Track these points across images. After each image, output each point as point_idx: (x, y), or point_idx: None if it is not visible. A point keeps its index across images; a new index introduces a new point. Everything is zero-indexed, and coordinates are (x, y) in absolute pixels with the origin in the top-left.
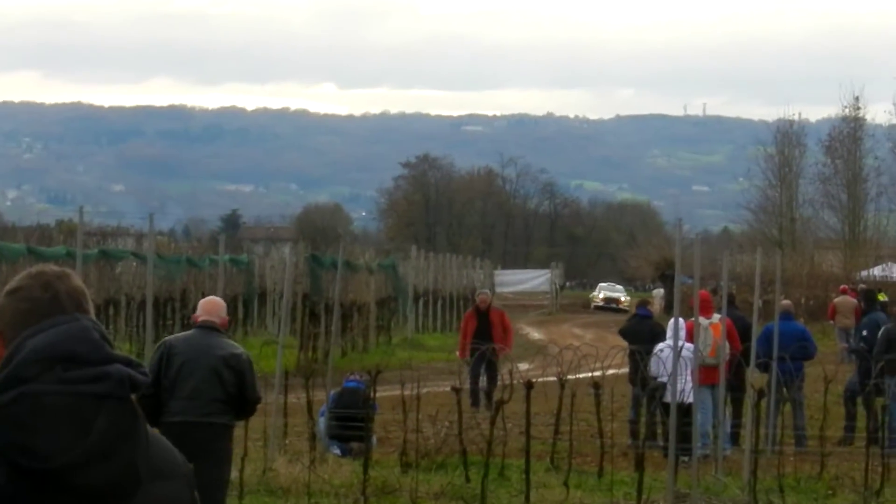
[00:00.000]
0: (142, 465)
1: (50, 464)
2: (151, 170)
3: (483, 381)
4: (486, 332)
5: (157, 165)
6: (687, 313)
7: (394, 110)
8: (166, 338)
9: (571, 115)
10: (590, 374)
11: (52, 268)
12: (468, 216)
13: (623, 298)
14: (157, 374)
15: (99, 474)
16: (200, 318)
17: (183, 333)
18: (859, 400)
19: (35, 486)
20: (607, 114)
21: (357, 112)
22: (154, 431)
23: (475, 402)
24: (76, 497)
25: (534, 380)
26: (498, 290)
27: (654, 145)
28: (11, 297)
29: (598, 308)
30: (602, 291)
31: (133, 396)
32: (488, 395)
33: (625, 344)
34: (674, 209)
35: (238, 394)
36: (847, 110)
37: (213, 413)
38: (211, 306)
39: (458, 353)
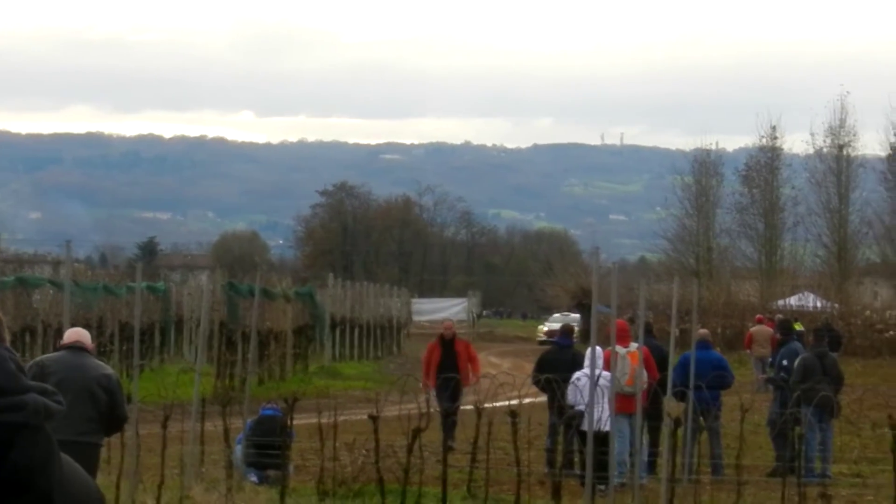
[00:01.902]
0: (57, 496)
1: None
2: (69, 197)
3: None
4: (451, 362)
5: (74, 193)
6: (604, 342)
7: (311, 138)
8: (38, 357)
9: (489, 144)
10: (507, 403)
11: None
12: (385, 244)
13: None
14: None
15: None
16: (68, 341)
17: (54, 353)
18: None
19: None
20: (525, 142)
21: (275, 140)
22: (68, 459)
23: (449, 434)
24: None
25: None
26: (415, 318)
27: (572, 174)
28: None
29: (542, 343)
30: (548, 324)
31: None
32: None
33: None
34: (591, 238)
35: (108, 413)
36: (764, 140)
37: (86, 432)
38: (76, 335)
39: (422, 383)
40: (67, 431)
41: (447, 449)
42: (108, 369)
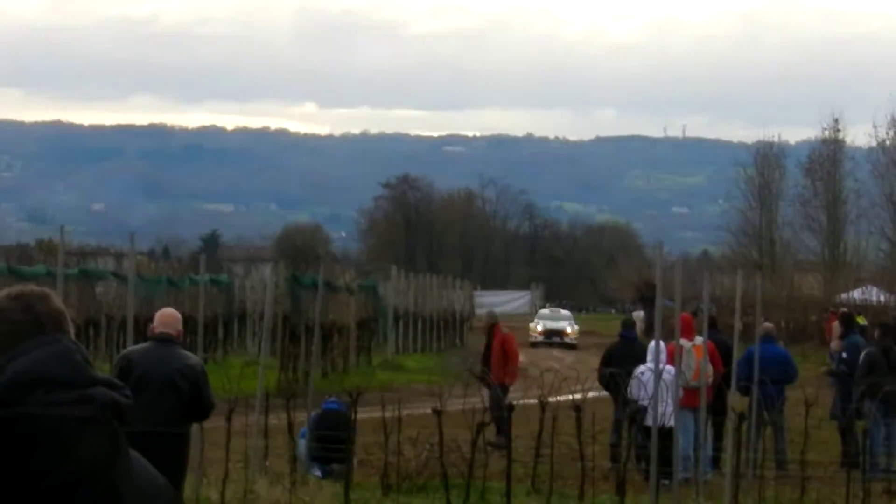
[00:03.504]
0: (123, 488)
1: (32, 487)
2: (131, 189)
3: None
4: (488, 355)
5: (137, 184)
6: (668, 336)
7: (374, 130)
8: (124, 351)
9: (551, 136)
10: (571, 397)
11: (32, 289)
12: (448, 237)
13: (569, 329)
14: None
15: (81, 498)
16: (157, 330)
17: (140, 346)
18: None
19: None
20: (587, 135)
21: (337, 132)
22: (136, 454)
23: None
24: None
25: (515, 402)
26: (478, 311)
27: (634, 167)
28: None
29: (535, 345)
30: (540, 322)
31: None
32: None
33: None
34: (653, 231)
35: (193, 402)
36: (827, 132)
37: (169, 423)
38: (167, 318)
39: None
40: (151, 423)
41: (491, 445)
42: (192, 359)
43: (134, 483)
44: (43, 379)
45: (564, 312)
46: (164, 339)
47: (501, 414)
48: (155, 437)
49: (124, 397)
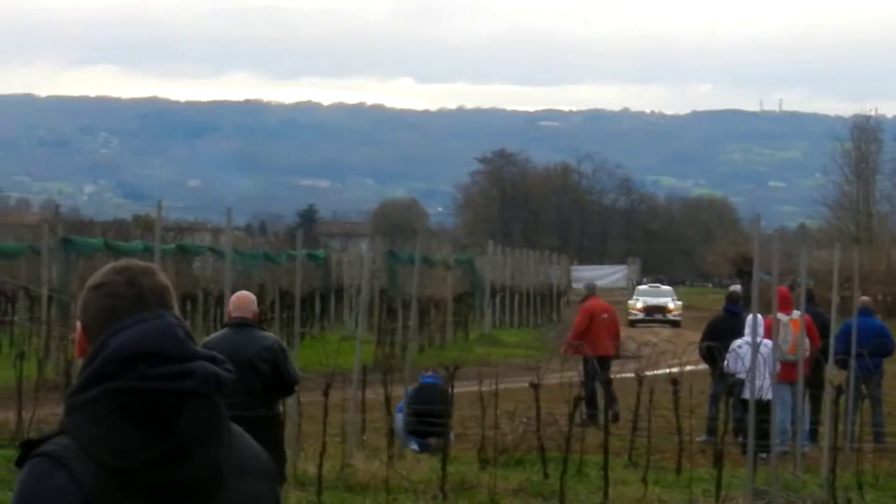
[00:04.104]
0: (225, 463)
1: (133, 461)
2: (228, 165)
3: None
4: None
5: (233, 160)
6: (765, 310)
7: (470, 105)
8: (203, 340)
9: (647, 111)
10: (668, 371)
11: (136, 263)
12: (544, 212)
13: (671, 304)
14: None
15: (182, 472)
16: (233, 315)
17: (218, 334)
18: None
19: (118, 483)
20: (683, 109)
21: (433, 107)
22: (238, 429)
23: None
24: (160, 495)
25: (612, 376)
26: (574, 285)
27: (731, 141)
28: (96, 293)
29: (635, 324)
30: (640, 298)
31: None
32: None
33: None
34: (750, 205)
35: (275, 382)
36: None
37: (253, 406)
38: (241, 301)
39: None
40: (236, 409)
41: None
42: (270, 339)
43: (235, 457)
44: (145, 353)
45: (665, 288)
46: (241, 324)
47: (591, 386)
48: (238, 421)
49: (226, 371)
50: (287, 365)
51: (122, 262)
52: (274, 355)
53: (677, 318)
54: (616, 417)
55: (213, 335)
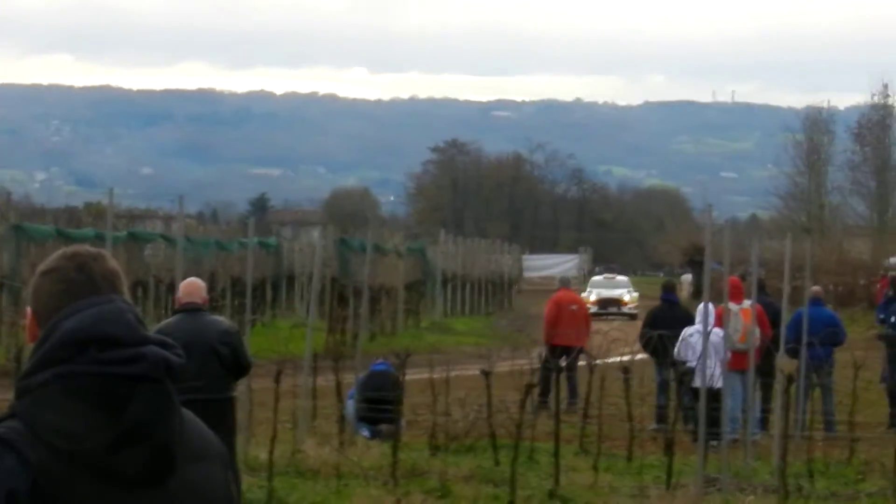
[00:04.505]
0: (176, 447)
1: (83, 445)
2: (180, 153)
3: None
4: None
5: (185, 149)
6: (716, 299)
7: (423, 95)
8: (157, 326)
9: (600, 101)
10: (619, 359)
11: (87, 249)
12: (496, 201)
13: (627, 297)
14: None
15: (133, 457)
16: (184, 301)
17: (170, 319)
18: None
19: (68, 466)
20: (636, 100)
21: (386, 97)
22: (189, 413)
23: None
24: (110, 478)
25: (562, 364)
26: (526, 274)
27: (683, 132)
28: (46, 278)
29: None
30: (594, 290)
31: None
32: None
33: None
34: (702, 195)
35: (234, 365)
36: (876, 98)
37: (217, 389)
38: (191, 288)
39: None
40: (200, 392)
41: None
42: (226, 324)
43: (187, 442)
44: (96, 337)
45: (620, 278)
46: (193, 309)
47: (545, 375)
48: (204, 404)
49: (176, 356)
50: (244, 349)
51: (73, 247)
52: (233, 339)
53: (633, 311)
54: (572, 409)
55: (167, 321)
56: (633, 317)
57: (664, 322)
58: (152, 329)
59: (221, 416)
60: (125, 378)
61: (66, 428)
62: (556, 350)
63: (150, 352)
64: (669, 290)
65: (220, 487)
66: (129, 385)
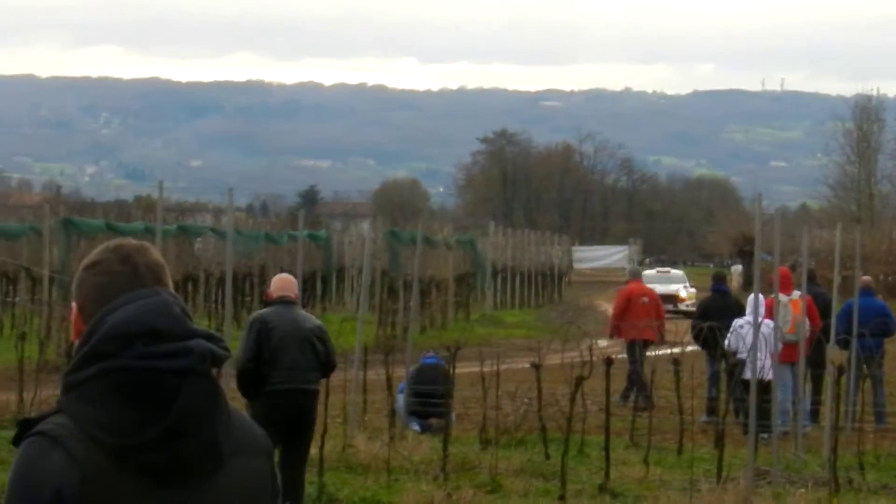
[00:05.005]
0: (223, 441)
1: (129, 440)
2: (229, 145)
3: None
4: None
5: (234, 141)
6: (766, 290)
7: (471, 85)
8: (257, 314)
9: (649, 90)
10: (669, 351)
11: (130, 241)
12: (546, 192)
13: (684, 293)
14: (258, 348)
15: (179, 450)
16: (276, 295)
17: (270, 308)
18: None
19: (116, 461)
20: (685, 89)
21: (435, 87)
22: (235, 406)
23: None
24: (157, 473)
25: (613, 356)
26: (576, 265)
27: (732, 120)
28: (90, 271)
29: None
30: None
31: (214, 372)
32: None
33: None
34: (751, 185)
35: (326, 360)
36: None
37: (310, 381)
38: (285, 283)
39: None
40: (296, 381)
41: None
42: (317, 320)
43: (233, 435)
44: (142, 331)
45: (675, 272)
46: (288, 303)
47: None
48: (299, 394)
49: (222, 350)
50: (333, 347)
51: (117, 240)
52: (324, 335)
53: (691, 309)
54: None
55: (267, 309)
56: (690, 315)
57: (716, 313)
58: (252, 316)
59: (313, 407)
60: (172, 372)
61: (112, 423)
62: (634, 345)
63: (197, 345)
64: (720, 280)
65: (265, 481)
66: (176, 379)
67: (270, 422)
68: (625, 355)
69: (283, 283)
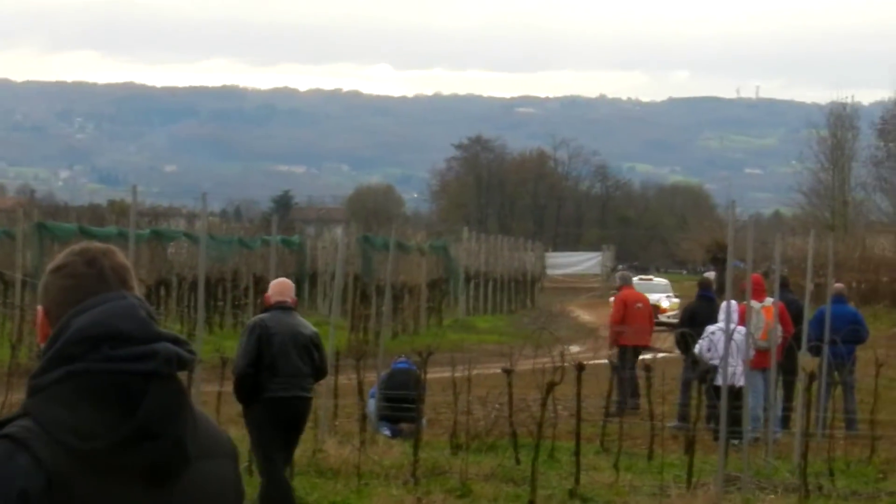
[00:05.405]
0: (190, 443)
1: (96, 443)
2: (204, 150)
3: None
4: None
5: (209, 146)
6: (739, 296)
7: (447, 92)
8: (257, 318)
9: (624, 97)
10: (640, 357)
11: (95, 244)
12: (520, 198)
13: (666, 303)
14: (257, 353)
15: (147, 453)
16: (275, 300)
17: (269, 314)
18: None
19: (82, 465)
20: (660, 96)
21: (410, 93)
22: (200, 409)
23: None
24: (124, 477)
25: (585, 362)
26: (549, 272)
27: (707, 128)
28: (56, 275)
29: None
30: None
31: (179, 374)
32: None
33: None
34: (725, 192)
35: (319, 367)
36: None
37: (308, 388)
38: (283, 287)
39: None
40: (297, 388)
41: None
42: (313, 327)
43: (200, 438)
44: (108, 334)
45: (659, 281)
46: (285, 308)
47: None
48: (298, 401)
49: (188, 353)
50: (325, 354)
51: (82, 244)
52: (319, 341)
53: (672, 320)
54: (636, 408)
55: (265, 315)
56: (673, 326)
57: (702, 319)
58: (252, 321)
59: (306, 412)
60: (138, 375)
61: (78, 426)
62: (626, 351)
63: (163, 348)
64: (707, 286)
65: (231, 484)
66: (142, 382)
67: (268, 427)
68: (605, 361)
69: (280, 287)
